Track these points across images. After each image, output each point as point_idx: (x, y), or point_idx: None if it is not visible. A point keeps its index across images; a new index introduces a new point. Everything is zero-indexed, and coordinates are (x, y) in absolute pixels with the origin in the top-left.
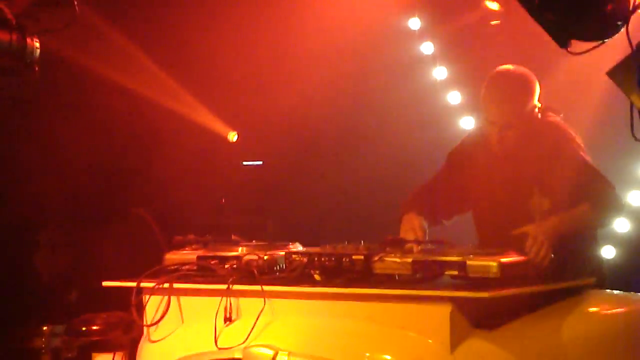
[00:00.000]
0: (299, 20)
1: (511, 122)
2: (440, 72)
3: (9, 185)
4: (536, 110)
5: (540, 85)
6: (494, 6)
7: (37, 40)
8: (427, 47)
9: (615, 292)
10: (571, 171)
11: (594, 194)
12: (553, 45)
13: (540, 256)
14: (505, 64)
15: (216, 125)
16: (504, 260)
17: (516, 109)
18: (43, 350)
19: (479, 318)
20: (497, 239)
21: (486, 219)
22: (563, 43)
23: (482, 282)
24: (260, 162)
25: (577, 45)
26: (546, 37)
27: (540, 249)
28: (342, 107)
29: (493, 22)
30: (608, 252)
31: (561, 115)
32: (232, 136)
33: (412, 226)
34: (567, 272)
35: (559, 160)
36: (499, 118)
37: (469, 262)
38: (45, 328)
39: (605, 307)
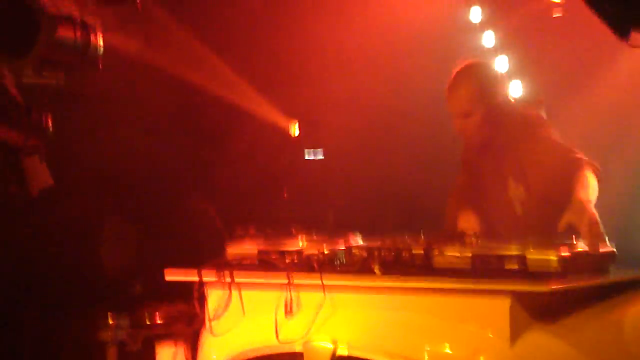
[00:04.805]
0: (360, 11)
1: (466, 109)
2: (501, 63)
3: (73, 178)
4: (499, 100)
5: (600, 78)
6: None
7: (101, 37)
8: (489, 38)
9: None
10: (541, 155)
11: (578, 163)
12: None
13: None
14: (567, 55)
15: (278, 118)
16: (564, 253)
17: (468, 96)
18: (109, 343)
19: (539, 311)
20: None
21: (479, 213)
22: (623, 35)
23: (542, 275)
24: (321, 152)
25: None
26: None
27: (597, 237)
28: (403, 98)
29: (555, 15)
30: None
31: (542, 107)
32: (294, 128)
33: (469, 222)
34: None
35: (527, 147)
36: (454, 107)
37: (528, 256)
38: (110, 320)
39: None
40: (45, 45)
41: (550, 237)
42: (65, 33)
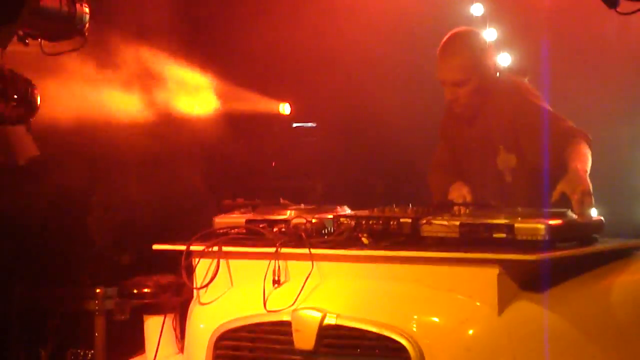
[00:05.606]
0: None
1: (459, 78)
2: (490, 34)
3: (62, 149)
4: (490, 69)
5: (594, 51)
6: None
7: (87, 6)
8: (477, 9)
9: None
10: (535, 123)
11: (571, 133)
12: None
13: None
14: (557, 25)
15: (268, 98)
16: (552, 222)
17: (461, 65)
18: (97, 312)
19: (527, 280)
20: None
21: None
22: (612, 3)
23: (530, 244)
24: (313, 125)
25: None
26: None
27: (587, 206)
28: (393, 71)
29: None
30: None
31: (527, 77)
32: (284, 109)
33: (461, 192)
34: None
35: (520, 115)
36: (446, 75)
37: (516, 225)
38: (98, 290)
39: None
40: (30, 14)
41: (539, 205)
42: (50, 1)
